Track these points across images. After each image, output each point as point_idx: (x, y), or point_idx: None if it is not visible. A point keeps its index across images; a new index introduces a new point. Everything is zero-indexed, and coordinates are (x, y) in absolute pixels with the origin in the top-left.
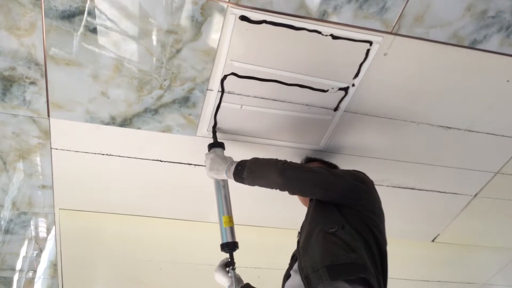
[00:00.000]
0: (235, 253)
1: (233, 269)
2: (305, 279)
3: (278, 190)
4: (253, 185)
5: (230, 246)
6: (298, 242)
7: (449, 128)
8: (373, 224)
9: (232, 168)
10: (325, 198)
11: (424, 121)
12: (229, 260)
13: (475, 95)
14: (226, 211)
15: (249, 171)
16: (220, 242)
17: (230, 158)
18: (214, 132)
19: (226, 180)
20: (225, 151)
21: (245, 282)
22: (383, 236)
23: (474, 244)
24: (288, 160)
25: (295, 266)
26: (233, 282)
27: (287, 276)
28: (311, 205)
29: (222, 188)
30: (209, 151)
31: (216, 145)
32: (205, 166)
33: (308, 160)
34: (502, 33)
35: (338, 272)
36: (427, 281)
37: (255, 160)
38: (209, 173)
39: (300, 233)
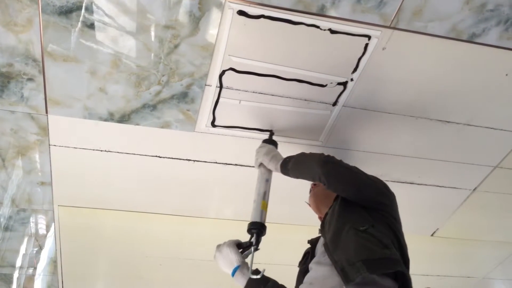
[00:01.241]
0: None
1: (256, 249)
2: (341, 271)
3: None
4: (296, 176)
5: (258, 226)
6: (323, 238)
7: (448, 122)
8: (396, 229)
9: (281, 162)
10: (355, 196)
11: (422, 115)
12: (250, 241)
13: (473, 89)
14: (266, 198)
15: (295, 162)
16: (250, 221)
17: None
18: (272, 133)
19: (272, 173)
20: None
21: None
22: (404, 242)
23: (473, 238)
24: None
25: (321, 259)
26: (250, 264)
27: (304, 271)
28: (335, 204)
29: (266, 178)
30: (262, 143)
31: (273, 142)
32: (257, 152)
33: None
34: (501, 26)
35: (375, 266)
36: (427, 275)
37: (302, 154)
38: (265, 157)
39: (322, 230)
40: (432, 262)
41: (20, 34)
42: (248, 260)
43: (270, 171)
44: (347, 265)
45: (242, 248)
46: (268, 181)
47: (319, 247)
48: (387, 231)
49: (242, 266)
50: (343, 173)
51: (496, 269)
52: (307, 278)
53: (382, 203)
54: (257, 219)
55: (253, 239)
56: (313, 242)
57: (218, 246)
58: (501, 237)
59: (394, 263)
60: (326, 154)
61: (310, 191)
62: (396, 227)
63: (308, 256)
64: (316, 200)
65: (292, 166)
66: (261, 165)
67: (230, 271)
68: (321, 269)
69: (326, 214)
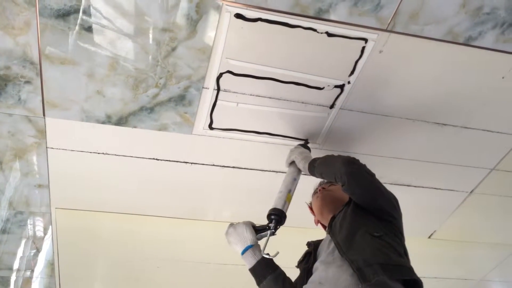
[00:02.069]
0: None
1: (273, 234)
2: (358, 270)
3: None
4: (320, 173)
5: (278, 213)
6: (332, 238)
7: (445, 124)
8: (403, 242)
9: (310, 161)
10: (369, 203)
11: (419, 118)
12: (267, 225)
13: (470, 91)
14: (292, 192)
15: (321, 161)
16: (272, 207)
17: None
18: (307, 142)
19: (300, 174)
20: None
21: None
22: (408, 257)
23: (470, 240)
24: None
25: (328, 259)
26: (263, 246)
27: (307, 271)
28: (346, 209)
29: (294, 177)
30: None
31: (307, 147)
32: (291, 151)
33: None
34: (497, 29)
35: (392, 271)
36: (424, 277)
37: (330, 155)
38: (298, 155)
39: (330, 231)
40: (429, 264)
41: (17, 37)
42: (261, 242)
43: (299, 171)
44: (364, 265)
45: (257, 230)
46: (295, 180)
47: (324, 248)
48: (399, 241)
49: (255, 247)
50: (365, 178)
51: (493, 271)
52: (315, 277)
53: (392, 215)
54: (279, 207)
55: (271, 224)
56: (315, 244)
57: (232, 224)
58: (498, 239)
59: (410, 271)
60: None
61: (316, 192)
62: (402, 240)
63: (310, 256)
64: (322, 203)
65: (319, 164)
66: (292, 163)
67: (241, 249)
68: (331, 269)
69: (333, 217)
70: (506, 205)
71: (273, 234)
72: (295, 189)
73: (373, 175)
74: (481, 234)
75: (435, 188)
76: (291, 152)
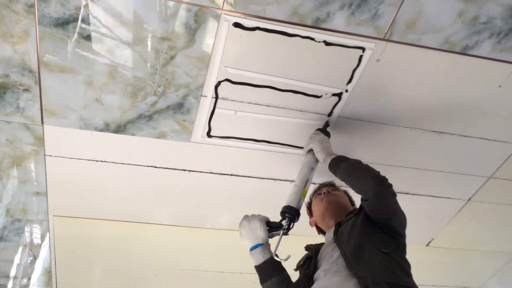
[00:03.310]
0: None
1: (285, 233)
2: (366, 287)
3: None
4: (343, 177)
5: (293, 212)
6: (338, 247)
7: (442, 133)
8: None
9: (333, 157)
10: (383, 222)
11: (417, 126)
12: (280, 223)
13: (467, 100)
14: (308, 186)
15: (349, 165)
16: (285, 204)
17: None
18: (327, 124)
19: (318, 163)
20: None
21: None
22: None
23: (468, 248)
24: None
25: (333, 267)
26: (275, 247)
27: (309, 277)
28: (355, 219)
29: (312, 167)
30: (317, 130)
31: (327, 132)
32: (310, 138)
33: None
34: (494, 39)
35: None
36: (422, 285)
37: (359, 161)
38: (318, 144)
39: (337, 241)
40: (427, 272)
41: (16, 45)
42: (273, 241)
43: (317, 161)
44: (372, 283)
45: (270, 227)
46: (313, 169)
47: (327, 255)
48: (406, 259)
49: (265, 246)
50: (389, 200)
51: (491, 279)
52: (319, 285)
53: (400, 234)
54: (294, 205)
55: (284, 222)
56: (316, 248)
57: (247, 216)
58: (496, 246)
59: None
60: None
61: (320, 194)
62: (406, 259)
63: (311, 261)
64: (327, 207)
65: (345, 167)
66: (310, 151)
67: (250, 245)
68: (335, 279)
69: (338, 224)
70: (504, 213)
71: (285, 233)
72: (311, 180)
73: (395, 195)
74: (479, 242)
75: (432, 196)
76: (310, 139)
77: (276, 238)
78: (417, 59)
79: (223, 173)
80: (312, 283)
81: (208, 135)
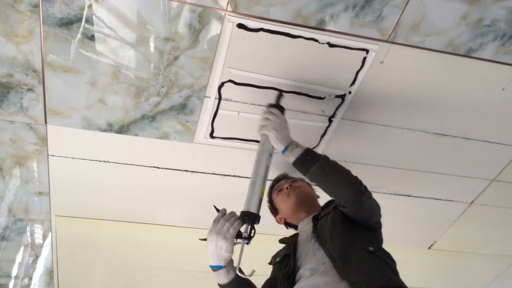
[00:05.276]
0: None
1: (247, 243)
2: None
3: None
4: (316, 182)
5: (253, 218)
6: (321, 245)
7: (445, 135)
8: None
9: (297, 153)
10: (361, 221)
11: (420, 128)
12: (246, 232)
13: (471, 102)
14: (265, 180)
15: (321, 169)
16: (243, 209)
17: None
18: (280, 95)
19: (274, 150)
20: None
21: None
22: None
23: (470, 251)
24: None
25: (319, 267)
26: (238, 260)
27: (288, 276)
28: (333, 212)
29: (269, 154)
30: (271, 107)
31: (282, 109)
32: (264, 120)
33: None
34: (497, 41)
35: None
36: None
37: (330, 162)
38: (271, 131)
39: (318, 237)
40: (429, 275)
41: (20, 44)
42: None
43: (273, 148)
44: (365, 287)
45: (240, 237)
46: (271, 156)
47: (308, 252)
48: (388, 254)
49: (229, 265)
50: (368, 205)
51: (493, 282)
52: (304, 285)
53: (378, 225)
54: (254, 210)
55: (243, 230)
56: (293, 243)
57: (216, 226)
58: (498, 250)
59: None
60: (354, 175)
61: (281, 190)
62: (389, 254)
63: (289, 259)
64: (296, 201)
65: (317, 172)
66: (263, 135)
67: (213, 263)
68: (323, 279)
69: (315, 218)
70: (507, 216)
71: (247, 243)
72: (268, 172)
73: (371, 196)
74: (482, 245)
75: (435, 199)
76: (264, 121)
77: (239, 252)
78: (421, 61)
79: (226, 174)
80: (293, 282)
81: (211, 136)
